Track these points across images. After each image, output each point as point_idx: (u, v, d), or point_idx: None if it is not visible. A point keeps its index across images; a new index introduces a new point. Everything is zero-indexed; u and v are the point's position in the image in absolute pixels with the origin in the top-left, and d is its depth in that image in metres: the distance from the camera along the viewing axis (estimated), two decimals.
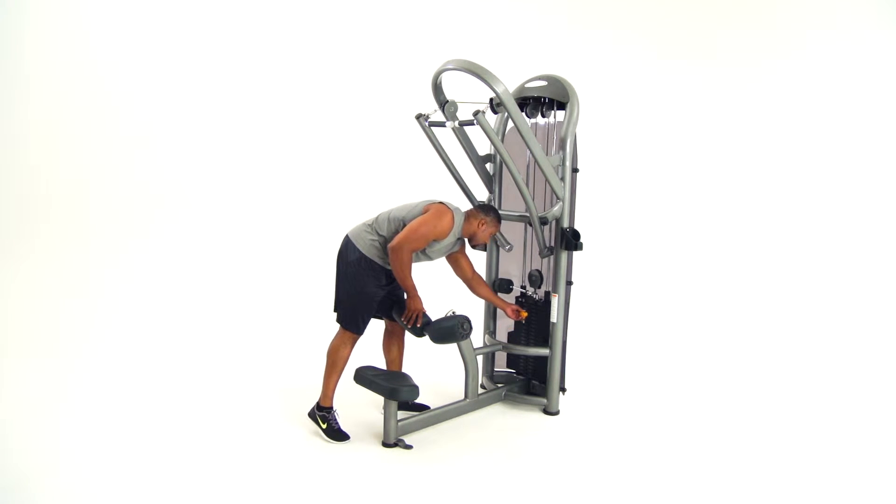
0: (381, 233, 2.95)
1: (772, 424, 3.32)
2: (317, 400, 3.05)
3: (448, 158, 3.30)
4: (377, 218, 3.02)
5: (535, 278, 3.44)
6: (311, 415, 3.04)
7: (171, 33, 6.18)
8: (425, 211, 2.92)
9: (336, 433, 2.96)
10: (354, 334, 3.00)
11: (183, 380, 3.69)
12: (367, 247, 2.94)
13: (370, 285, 2.96)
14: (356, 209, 3.08)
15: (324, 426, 2.97)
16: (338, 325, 3.04)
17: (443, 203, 2.96)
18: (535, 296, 3.49)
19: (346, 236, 3.03)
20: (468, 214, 3.05)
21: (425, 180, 4.97)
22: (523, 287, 3.56)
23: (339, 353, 3.00)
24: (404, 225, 2.90)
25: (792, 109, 5.46)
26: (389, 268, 2.95)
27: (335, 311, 3.05)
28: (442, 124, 3.10)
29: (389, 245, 2.84)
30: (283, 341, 4.41)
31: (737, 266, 5.50)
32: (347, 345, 3.01)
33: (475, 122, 2.82)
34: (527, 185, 3.19)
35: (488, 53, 3.85)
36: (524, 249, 3.55)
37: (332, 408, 3.01)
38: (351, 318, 2.98)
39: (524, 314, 3.38)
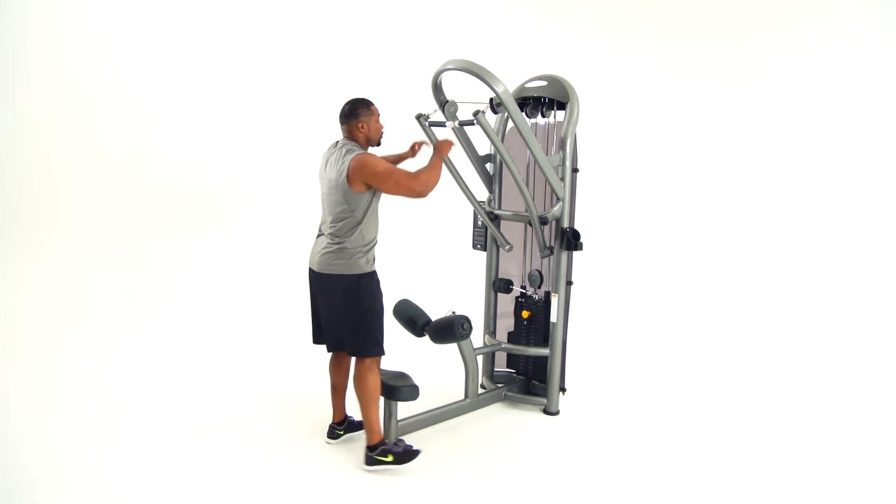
0: (350, 238, 2.60)
1: (771, 424, 3.32)
2: (365, 445, 2.73)
3: (448, 158, 3.29)
4: (332, 235, 2.63)
5: (535, 278, 3.43)
6: (369, 462, 2.69)
7: (174, 37, 6.18)
8: (357, 169, 2.53)
9: (406, 455, 2.69)
10: (380, 357, 2.73)
11: (183, 383, 3.69)
12: (354, 266, 2.61)
13: (380, 297, 2.71)
14: None
15: (390, 458, 2.67)
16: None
17: (357, 155, 2.60)
18: (535, 296, 3.49)
19: (317, 274, 2.67)
20: (349, 136, 2.75)
21: None
22: (523, 287, 3.56)
23: (369, 383, 2.67)
24: (349, 208, 2.57)
25: (792, 110, 5.46)
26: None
27: (339, 349, 2.73)
28: (442, 124, 3.10)
29: (417, 190, 2.54)
30: (282, 344, 4.41)
31: (737, 265, 5.50)
32: (374, 371, 2.69)
33: (475, 122, 2.82)
34: (527, 185, 3.19)
35: (488, 53, 3.84)
36: (524, 249, 3.55)
37: (384, 440, 2.73)
38: (374, 342, 2.66)
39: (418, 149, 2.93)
